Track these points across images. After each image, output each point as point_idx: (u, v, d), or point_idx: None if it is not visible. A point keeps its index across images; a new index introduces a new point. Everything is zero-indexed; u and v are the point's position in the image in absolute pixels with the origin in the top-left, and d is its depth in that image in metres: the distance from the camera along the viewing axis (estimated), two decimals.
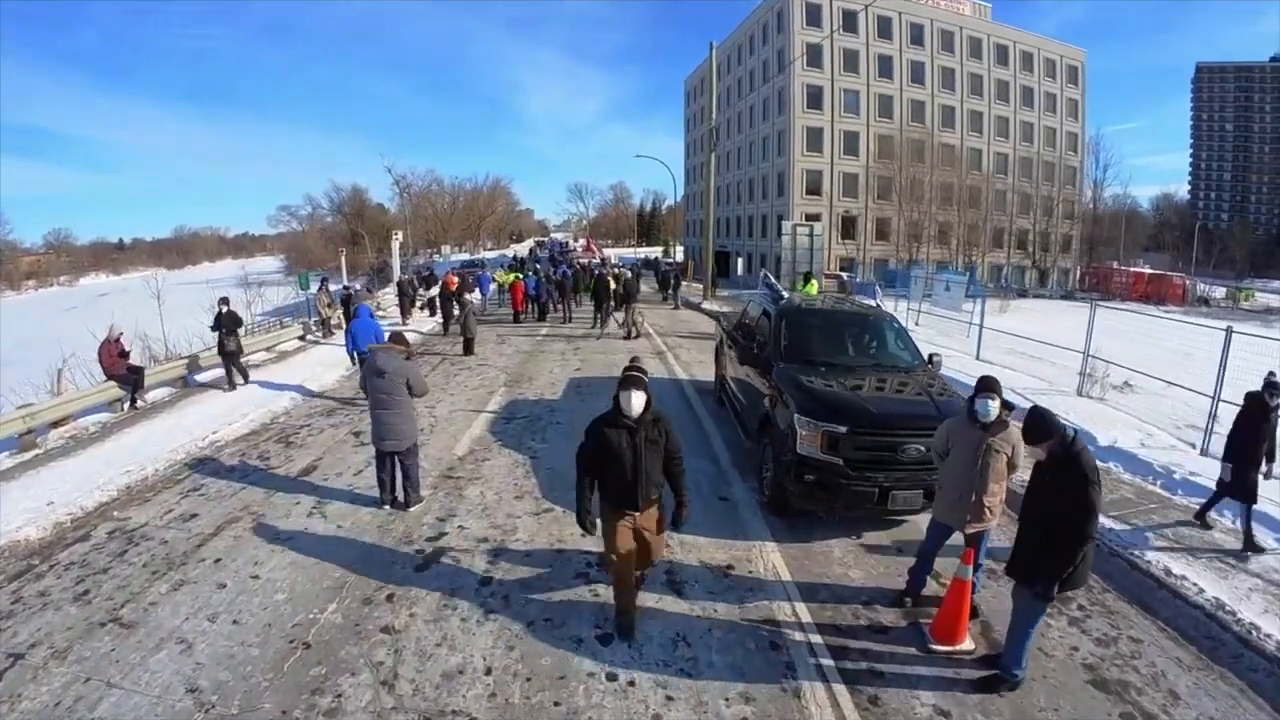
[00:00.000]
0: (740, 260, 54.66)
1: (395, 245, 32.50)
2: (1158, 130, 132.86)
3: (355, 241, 77.37)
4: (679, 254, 74.31)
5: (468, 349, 16.56)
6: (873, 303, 16.94)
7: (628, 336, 19.07)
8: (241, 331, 14.10)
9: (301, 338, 20.05)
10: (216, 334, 13.00)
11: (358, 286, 20.00)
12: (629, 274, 20.79)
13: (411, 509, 6.98)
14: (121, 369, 11.54)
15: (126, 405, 11.80)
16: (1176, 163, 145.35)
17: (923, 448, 5.97)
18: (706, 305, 27.51)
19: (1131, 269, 57.13)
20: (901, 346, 8.32)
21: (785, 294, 9.75)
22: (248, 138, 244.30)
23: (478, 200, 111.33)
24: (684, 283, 32.55)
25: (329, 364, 15.69)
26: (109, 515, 7.55)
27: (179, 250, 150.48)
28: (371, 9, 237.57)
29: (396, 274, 29.91)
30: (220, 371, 13.60)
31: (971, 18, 57.14)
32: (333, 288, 24.11)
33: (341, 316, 19.85)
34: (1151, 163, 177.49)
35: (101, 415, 11.61)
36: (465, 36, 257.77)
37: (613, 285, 21.11)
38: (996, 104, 57.68)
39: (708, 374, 13.39)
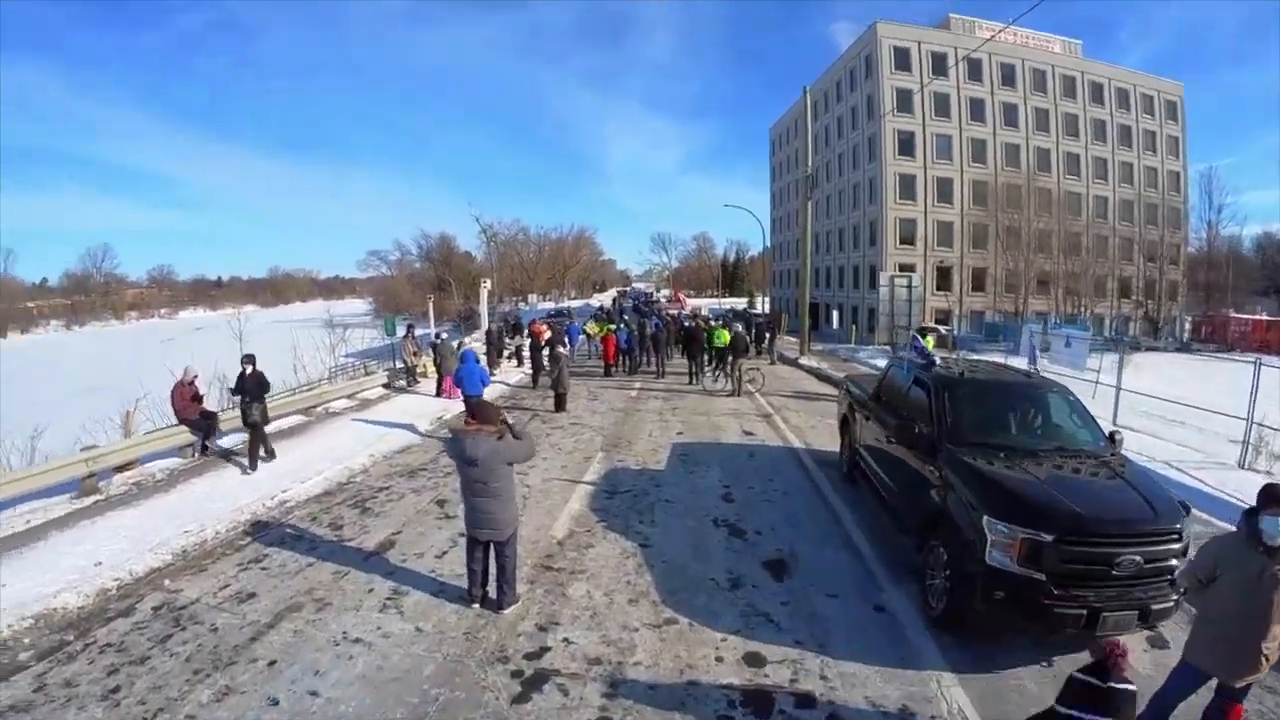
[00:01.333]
0: (835, 313, 52.80)
1: (484, 293, 32.46)
2: (1250, 164, 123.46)
3: (442, 288, 79.46)
4: (763, 305, 73.12)
5: (560, 405, 15.66)
6: (1030, 366, 15.14)
7: (730, 395, 17.81)
8: (269, 395, 11.86)
9: (386, 385, 19.68)
10: (238, 399, 11.03)
11: (444, 334, 19.48)
12: (739, 327, 19.60)
13: (505, 611, 5.81)
14: (194, 413, 11.08)
15: (197, 451, 11.29)
16: (1267, 199, 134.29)
17: (1139, 559, 5.06)
18: (805, 361, 26.12)
19: (1249, 316, 52.10)
20: (1080, 423, 7.07)
21: (937, 359, 8.36)
22: (340, 184, 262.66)
23: (562, 249, 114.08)
24: (778, 336, 31.08)
25: (414, 415, 15.09)
26: (159, 585, 6.83)
27: (273, 289, 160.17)
28: (456, 64, 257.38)
29: (485, 322, 29.68)
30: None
31: (1063, 56, 55.32)
32: (419, 333, 23.92)
33: (429, 364, 19.37)
34: (1249, 200, 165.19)
35: (170, 461, 11.15)
36: (547, 89, 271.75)
37: (716, 338, 19.90)
38: (1094, 144, 55.22)
39: (825, 442, 12.22)
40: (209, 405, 12.21)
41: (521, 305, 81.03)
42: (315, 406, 15.89)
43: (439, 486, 9.44)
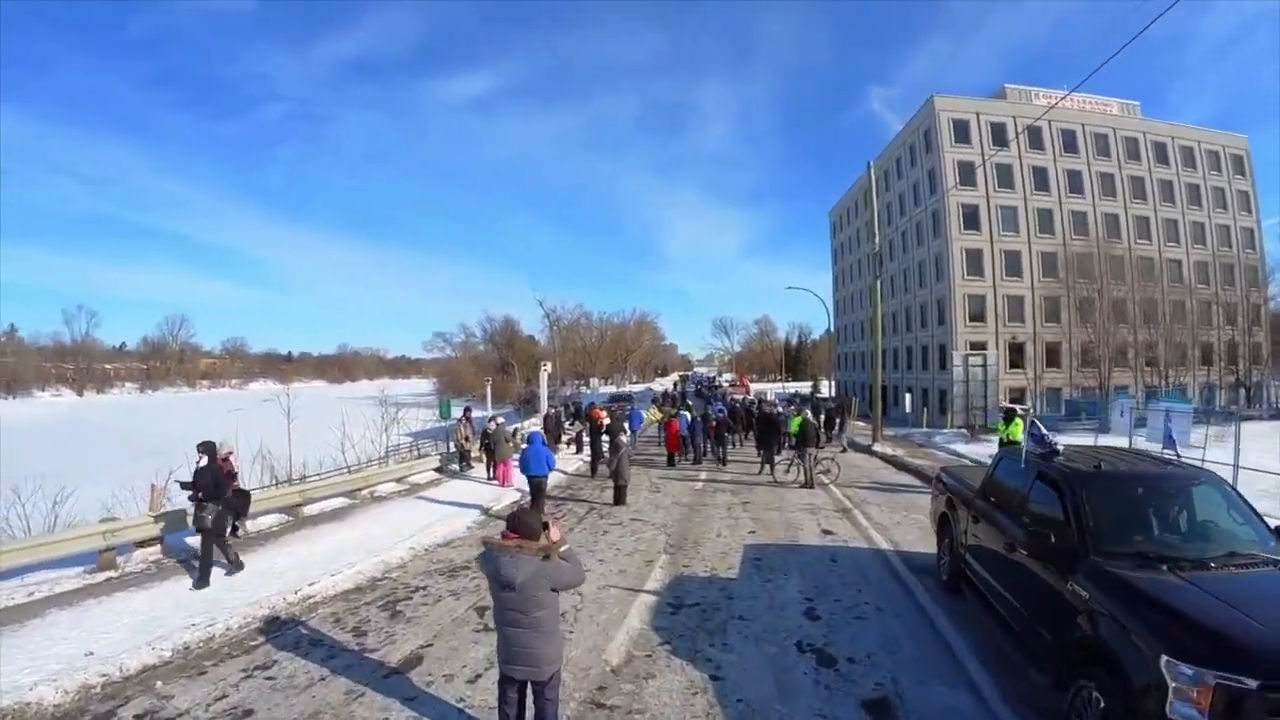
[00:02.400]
0: (907, 395, 50.77)
1: (543, 376, 32.13)
2: None
3: (505, 370, 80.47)
4: (830, 389, 71.29)
5: (619, 498, 14.64)
6: (1168, 451, 13.44)
7: (803, 486, 16.51)
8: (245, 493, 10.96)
9: (439, 469, 19.08)
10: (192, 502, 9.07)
11: (501, 419, 18.87)
12: (808, 413, 18.39)
13: None
14: (225, 492, 10.46)
15: (227, 532, 10.64)
16: None
17: None
18: (878, 448, 24.46)
19: None
20: (1241, 519, 5.80)
21: (1058, 448, 7.09)
22: (408, 266, 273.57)
23: (624, 334, 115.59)
24: (848, 421, 29.53)
25: (463, 504, 14.35)
26: (150, 686, 6.08)
27: (340, 366, 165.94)
28: (522, 155, 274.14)
29: (544, 406, 29.15)
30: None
31: (1122, 117, 54.03)
32: (477, 414, 23.45)
33: (482, 450, 18.72)
34: None
35: (198, 539, 10.51)
36: (609, 178, 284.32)
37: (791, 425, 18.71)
38: (1162, 206, 53.18)
39: (915, 542, 10.93)
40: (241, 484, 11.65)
41: (583, 389, 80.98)
42: (361, 489, 15.31)
43: (480, 589, 8.45)
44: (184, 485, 9.01)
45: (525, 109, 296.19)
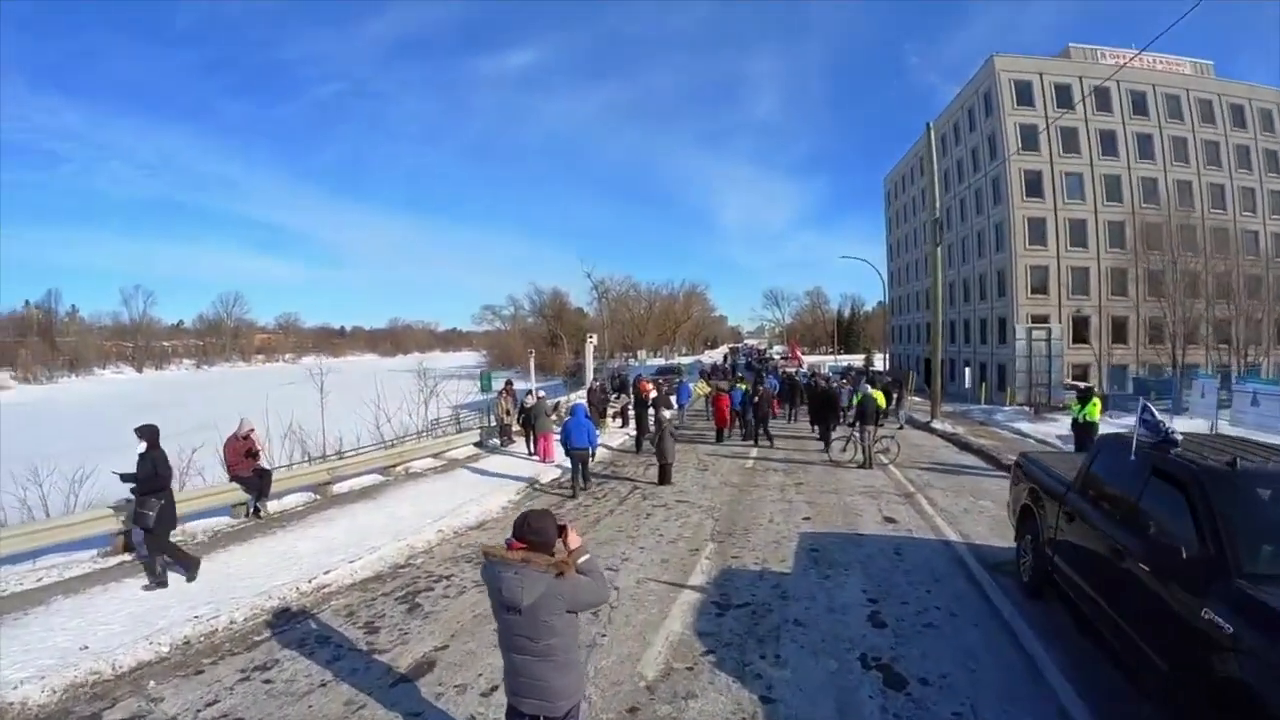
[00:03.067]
0: (967, 370, 49.16)
1: (589, 348, 31.51)
2: None
3: (554, 343, 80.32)
4: (880, 362, 69.05)
5: (664, 477, 13.89)
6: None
7: (860, 467, 15.57)
8: (176, 487, 9.44)
9: (478, 444, 18.61)
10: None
11: (541, 392, 18.28)
12: (869, 388, 17.29)
13: None
14: (246, 470, 10.11)
15: (249, 512, 10.25)
16: None
17: None
18: (937, 425, 23.21)
19: None
20: None
21: (1176, 437, 5.96)
22: (458, 241, 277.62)
23: (673, 305, 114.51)
24: (905, 396, 28.15)
25: (501, 481, 13.83)
26: (141, 686, 5.62)
27: (392, 340, 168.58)
28: (571, 129, 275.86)
29: (589, 378, 28.54)
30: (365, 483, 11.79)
31: (1195, 78, 50.58)
32: (520, 387, 22.95)
33: (522, 425, 18.18)
34: None
35: (218, 521, 10.26)
36: (659, 150, 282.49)
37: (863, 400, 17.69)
38: (1239, 173, 49.80)
39: (986, 534, 9.86)
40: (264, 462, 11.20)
41: (631, 361, 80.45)
42: (396, 466, 14.88)
43: None
44: (123, 478, 7.79)
45: (573, 83, 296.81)
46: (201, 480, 10.42)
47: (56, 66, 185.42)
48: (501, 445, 18.83)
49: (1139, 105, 49.35)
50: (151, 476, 7.63)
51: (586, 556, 3.52)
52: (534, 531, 3.35)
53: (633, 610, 6.95)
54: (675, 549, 9.26)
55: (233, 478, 10.22)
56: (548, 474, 14.80)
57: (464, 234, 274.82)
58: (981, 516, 10.87)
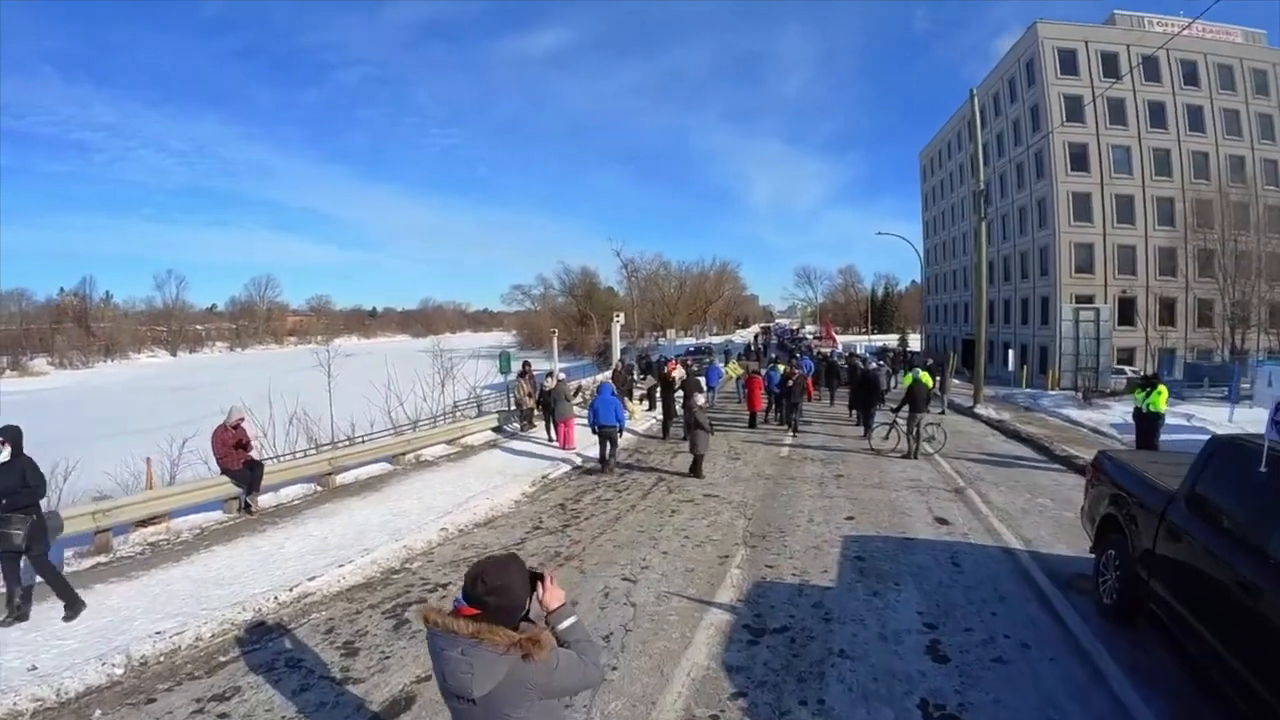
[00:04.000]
0: (1010, 353, 48.10)
1: (615, 327, 30.65)
2: None
3: (583, 322, 79.76)
4: (915, 342, 67.30)
5: (695, 470, 12.93)
6: None
7: (904, 456, 14.53)
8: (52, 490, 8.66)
9: (496, 429, 17.87)
10: None
11: (562, 375, 17.46)
12: (919, 372, 16.17)
13: None
14: (236, 463, 9.42)
15: (239, 507, 9.58)
16: None
17: None
18: (981, 410, 22.01)
19: None
20: None
21: None
22: (488, 221, 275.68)
23: (704, 284, 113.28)
24: (948, 380, 26.74)
25: (516, 470, 13.04)
26: (85, 717, 4.95)
27: (422, 321, 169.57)
28: (599, 108, 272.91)
29: (616, 358, 27.65)
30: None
31: (1248, 47, 47.94)
32: (544, 366, 22.21)
33: (541, 409, 17.40)
34: None
35: (207, 516, 9.66)
36: (688, 128, 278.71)
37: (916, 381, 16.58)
38: None
39: (1049, 539, 8.81)
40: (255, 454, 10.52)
41: (660, 341, 79.53)
42: (405, 453, 14.13)
43: None
44: None
45: (599, 62, 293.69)
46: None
47: (87, 59, 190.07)
48: (521, 430, 18.07)
49: (1190, 76, 47.20)
50: (19, 489, 6.25)
51: (570, 621, 2.52)
52: (491, 591, 2.27)
53: (651, 634, 6.03)
54: (702, 554, 8.33)
55: (223, 471, 9.54)
56: (567, 463, 13.99)
57: (494, 214, 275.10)
58: (1042, 518, 9.78)
